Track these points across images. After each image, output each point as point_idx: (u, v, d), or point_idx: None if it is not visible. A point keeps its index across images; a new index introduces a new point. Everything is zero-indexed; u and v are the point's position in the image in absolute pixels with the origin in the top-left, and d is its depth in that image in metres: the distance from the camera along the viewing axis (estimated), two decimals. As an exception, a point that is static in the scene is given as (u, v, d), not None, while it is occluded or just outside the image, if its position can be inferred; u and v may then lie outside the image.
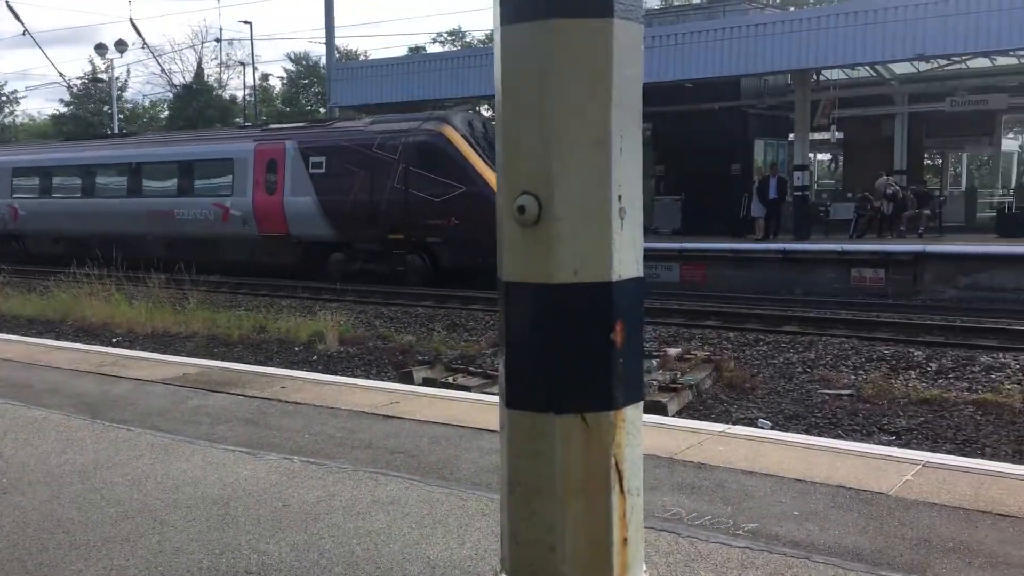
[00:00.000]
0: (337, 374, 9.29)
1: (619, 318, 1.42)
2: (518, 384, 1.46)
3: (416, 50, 51.21)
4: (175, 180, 22.85)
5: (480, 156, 18.06)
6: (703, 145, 23.37)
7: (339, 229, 19.63)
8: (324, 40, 29.58)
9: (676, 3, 44.23)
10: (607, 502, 1.41)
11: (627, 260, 1.44)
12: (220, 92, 57.74)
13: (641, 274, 1.48)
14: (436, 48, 55.03)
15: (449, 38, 58.06)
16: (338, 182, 19.48)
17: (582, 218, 1.40)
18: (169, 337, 12.25)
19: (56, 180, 25.75)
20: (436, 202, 18.05)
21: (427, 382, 8.73)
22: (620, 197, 1.42)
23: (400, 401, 6.26)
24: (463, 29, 58.88)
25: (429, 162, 18.23)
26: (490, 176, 17.48)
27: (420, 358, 10.30)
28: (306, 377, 7.52)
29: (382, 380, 8.85)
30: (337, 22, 30.12)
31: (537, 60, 1.39)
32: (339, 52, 41.69)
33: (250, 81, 58.49)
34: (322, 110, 48.73)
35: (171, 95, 56.57)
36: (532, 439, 1.43)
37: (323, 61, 39.96)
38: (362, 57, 54.77)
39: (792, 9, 35.66)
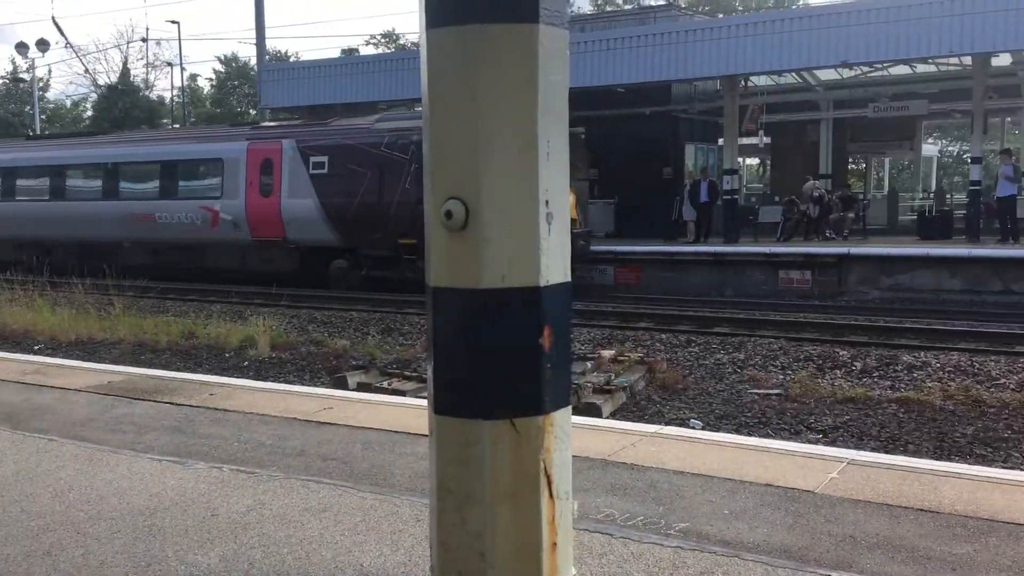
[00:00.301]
0: (269, 380, 9.16)
1: (547, 323, 1.43)
2: (447, 390, 1.45)
3: (349, 52, 50.76)
4: (156, 182, 21.40)
5: None
6: (635, 149, 23.63)
7: (343, 234, 18.50)
8: (254, 41, 29.12)
9: (608, 9, 44.68)
10: (536, 507, 1.41)
11: (555, 265, 1.44)
12: (147, 93, 56.47)
13: (569, 279, 1.49)
14: (370, 50, 54.65)
15: (383, 40, 57.73)
16: (342, 183, 18.29)
17: (510, 223, 1.40)
18: (94, 344, 11.93)
19: (19, 182, 23.90)
20: None
21: (361, 387, 8.65)
22: (547, 202, 1.42)
23: (333, 407, 6.20)
24: (397, 32, 58.55)
25: None
26: None
27: (354, 363, 10.21)
28: (236, 384, 7.39)
29: (315, 386, 8.75)
30: (267, 23, 29.68)
31: (462, 65, 1.39)
32: (270, 53, 41.11)
33: (178, 82, 57.34)
34: (252, 111, 47.99)
35: (96, 95, 55.14)
36: (462, 445, 1.43)
37: (253, 62, 39.35)
38: (293, 58, 54.12)
39: (721, 16, 36.34)
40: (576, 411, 8.00)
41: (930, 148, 39.21)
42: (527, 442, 1.41)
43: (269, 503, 4.13)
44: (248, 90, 53.96)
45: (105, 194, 22.15)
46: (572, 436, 5.21)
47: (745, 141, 25.63)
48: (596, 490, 4.31)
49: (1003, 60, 21.25)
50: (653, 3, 42.23)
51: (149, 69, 59.64)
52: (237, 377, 8.97)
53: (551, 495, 1.42)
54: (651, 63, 20.98)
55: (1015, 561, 3.45)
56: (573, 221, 18.04)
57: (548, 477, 1.41)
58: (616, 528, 3.80)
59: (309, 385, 8.87)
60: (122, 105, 49.46)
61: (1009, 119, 29.30)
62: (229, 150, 20.33)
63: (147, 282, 17.11)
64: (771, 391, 8.79)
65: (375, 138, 18.16)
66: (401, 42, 55.74)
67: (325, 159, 18.67)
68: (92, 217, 21.94)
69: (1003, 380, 8.79)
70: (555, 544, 1.44)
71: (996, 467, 6.24)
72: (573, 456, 4.80)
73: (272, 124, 21.60)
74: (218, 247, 20.26)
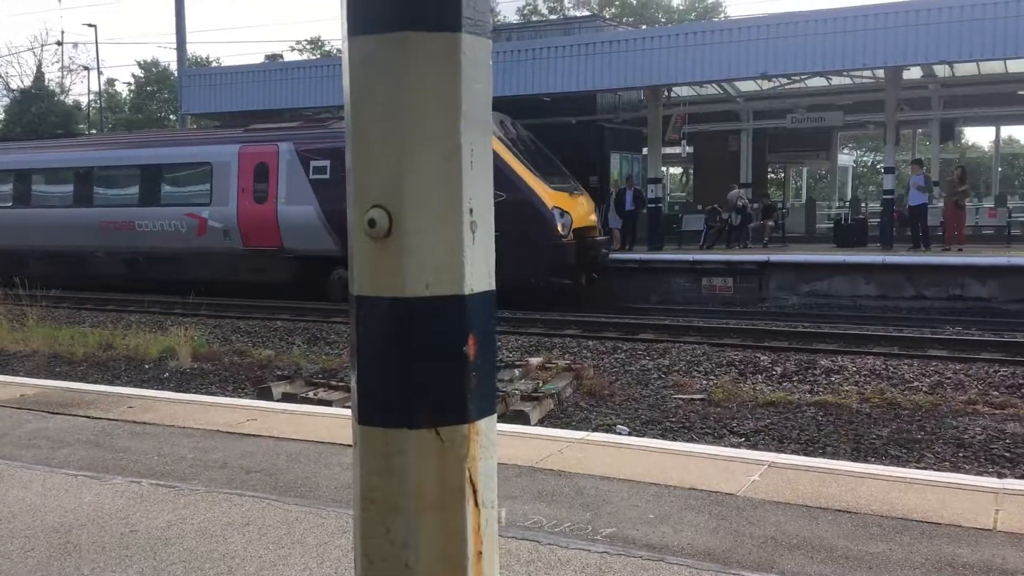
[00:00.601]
0: (191, 392, 8.96)
1: (472, 331, 1.43)
2: (370, 400, 1.44)
3: (273, 58, 50.09)
4: (136, 188, 20.06)
5: (520, 160, 16.35)
6: (561, 158, 23.82)
7: (347, 242, 17.78)
8: (175, 45, 28.51)
9: (534, 19, 45.02)
10: (462, 516, 1.41)
11: (479, 273, 1.45)
12: (62, 97, 54.80)
13: (493, 287, 1.49)
14: (295, 56, 54.00)
15: (309, 46, 57.10)
16: (344, 189, 17.54)
17: (433, 232, 1.40)
18: (5, 356, 11.50)
19: None
20: None
21: (287, 398, 8.52)
22: (471, 211, 1.43)
23: (257, 418, 6.09)
24: (323, 38, 57.93)
25: None
26: (535, 182, 16.08)
27: (279, 373, 10.05)
28: (156, 396, 7.21)
29: (239, 397, 8.59)
30: (188, 27, 29.08)
31: (385, 73, 1.39)
32: (191, 58, 40.29)
33: (95, 87, 55.80)
34: (172, 117, 46.97)
35: (7, 100, 53.30)
36: (386, 456, 1.42)
37: (174, 67, 38.52)
38: (215, 64, 53.15)
39: (644, 28, 36.94)
40: (504, 419, 8.03)
41: (846, 158, 40.53)
42: (452, 451, 1.40)
43: (190, 518, 4.04)
44: (168, 95, 52.80)
45: (77, 201, 20.79)
46: (500, 444, 5.21)
47: (669, 151, 26.06)
48: (524, 497, 4.32)
49: (914, 73, 22.08)
50: (578, 14, 42.72)
51: (65, 73, 57.91)
52: (157, 389, 8.75)
53: (476, 504, 1.42)
54: (576, 73, 21.20)
55: (928, 559, 3.57)
56: (593, 229, 17.65)
57: (473, 486, 1.41)
58: (543, 535, 3.81)
59: (233, 396, 8.71)
60: (36, 110, 47.91)
61: (920, 130, 30.43)
62: (219, 153, 19.07)
63: (61, 292, 16.59)
64: (695, 396, 8.94)
65: None
66: (327, 48, 55.26)
67: (327, 163, 17.50)
68: (62, 225, 20.58)
69: (916, 383, 9.09)
70: (480, 553, 1.44)
71: (910, 467, 6.45)
72: (501, 464, 4.82)
73: (266, 126, 20.19)
74: (205, 257, 18.96)
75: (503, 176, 15.44)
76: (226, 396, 8.70)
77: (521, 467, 4.81)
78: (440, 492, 1.38)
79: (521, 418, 7.93)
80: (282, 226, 18.09)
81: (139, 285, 19.24)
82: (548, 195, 16.00)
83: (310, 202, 17.60)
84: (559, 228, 15.84)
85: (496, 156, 15.56)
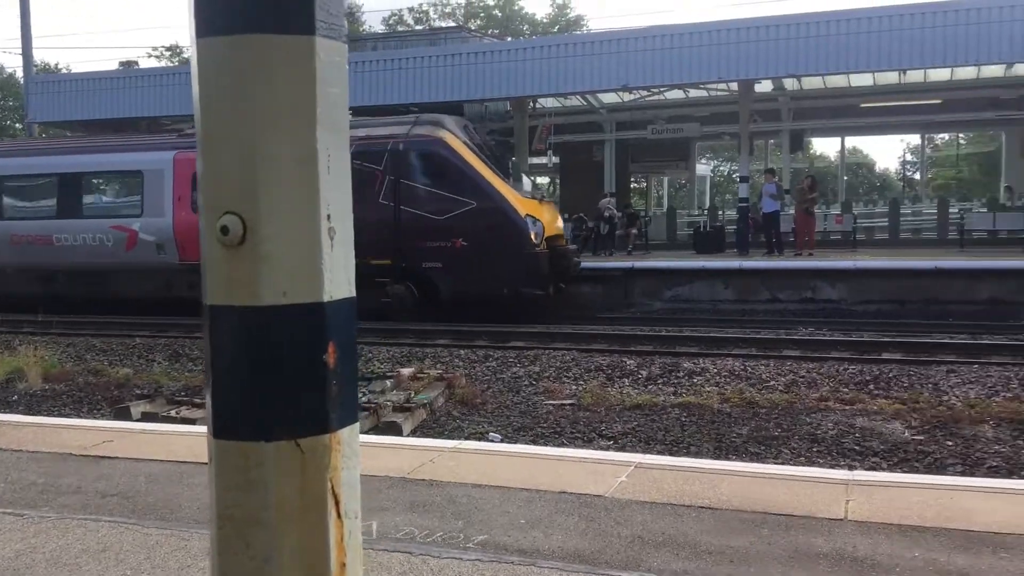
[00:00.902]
0: (41, 414, 8.46)
1: (332, 339, 1.41)
2: (226, 413, 1.40)
3: (128, 64, 48.10)
4: (54, 199, 18.28)
5: (488, 166, 15.61)
6: (430, 168, 23.81)
7: None
8: (20, 51, 27.01)
9: (400, 29, 44.88)
10: (324, 528, 1.38)
11: (339, 280, 1.42)
12: None
13: (353, 294, 1.47)
14: (152, 63, 51.98)
15: (167, 53, 55.08)
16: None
17: (290, 238, 1.37)
18: None
19: None
20: (439, 221, 15.13)
21: (147, 417, 8.16)
22: (329, 216, 1.41)
23: (114, 440, 5.82)
24: (180, 45, 56.01)
25: (428, 173, 15.39)
26: (506, 190, 15.39)
27: (138, 392, 9.62)
28: (3, 420, 6.78)
29: (95, 418, 8.18)
30: (35, 32, 27.60)
31: (236, 76, 1.35)
32: (38, 65, 38.23)
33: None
34: (19, 126, 44.40)
35: None
36: (244, 470, 1.38)
37: (19, 73, 36.45)
38: (64, 71, 50.59)
39: (510, 39, 37.39)
40: (376, 430, 7.94)
41: (704, 168, 42.09)
42: (313, 462, 1.38)
43: (41, 546, 3.81)
44: (13, 103, 49.90)
45: None
46: (372, 456, 5.13)
47: (535, 160, 26.45)
48: (396, 508, 4.28)
49: (765, 86, 23.18)
50: (444, 25, 42.83)
51: None
52: (4, 412, 8.22)
53: (339, 515, 1.39)
54: (443, 83, 21.27)
55: (785, 550, 3.73)
56: (560, 237, 17.02)
57: (336, 497, 1.39)
58: (416, 546, 3.78)
59: (88, 418, 8.28)
60: None
61: (772, 141, 31.92)
62: (151, 161, 17.52)
63: None
64: (565, 401, 9.07)
65: None
66: (186, 56, 53.45)
67: None
68: None
69: (772, 382, 9.50)
70: (344, 564, 1.42)
71: (768, 463, 6.73)
72: (373, 476, 4.75)
73: None
74: (135, 272, 17.49)
75: (472, 183, 15.12)
76: (81, 418, 8.27)
77: (393, 478, 4.76)
78: (302, 504, 1.35)
79: (393, 429, 7.86)
80: None
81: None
82: (520, 203, 15.41)
83: None
84: (532, 237, 15.19)
85: (463, 162, 15.24)
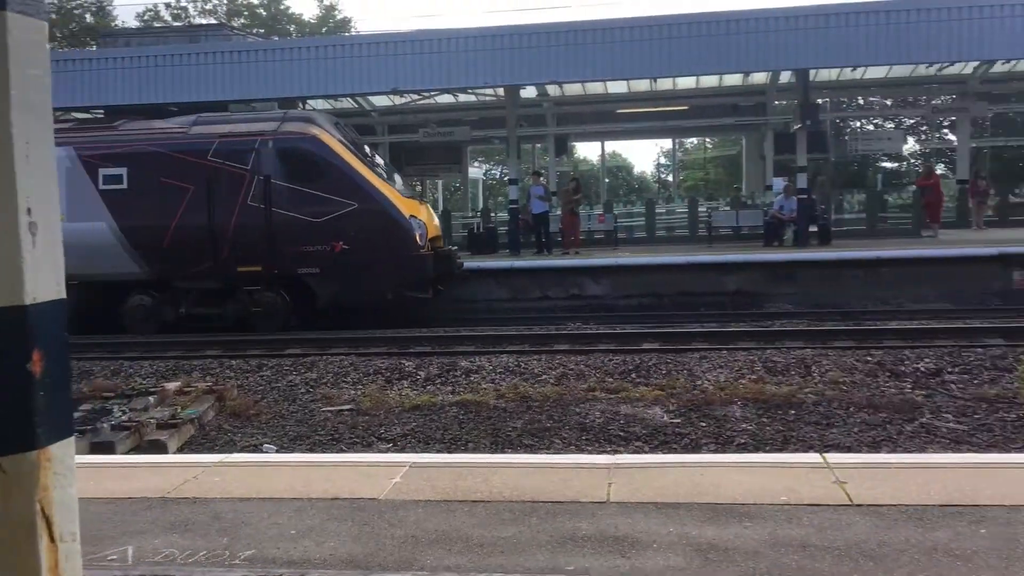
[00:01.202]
0: None
1: (37, 345, 1.28)
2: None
3: None
4: None
5: (366, 165, 14.51)
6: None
7: (153, 265, 14.53)
8: None
9: (156, 25, 42.53)
10: (35, 554, 1.25)
11: (45, 281, 1.30)
12: None
13: (63, 296, 1.35)
14: None
15: None
16: (151, 201, 14.32)
17: (-19, 234, 1.23)
18: None
19: None
20: (316, 223, 14.10)
21: None
22: (30, 211, 1.28)
23: None
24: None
25: (303, 173, 14.24)
26: (388, 190, 14.35)
27: None
28: None
29: None
30: None
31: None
32: None
33: None
34: None
35: None
36: (-61, 495, 1.23)
37: None
38: None
39: (276, 39, 36.38)
40: (139, 450, 7.47)
41: (476, 171, 42.88)
42: (17, 482, 1.24)
43: None
44: None
45: None
46: (131, 477, 4.77)
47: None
48: (154, 531, 4.03)
49: (530, 92, 23.93)
50: (204, 22, 41.02)
51: None
52: None
53: (52, 538, 1.27)
54: (206, 82, 20.36)
55: (552, 536, 3.84)
56: (440, 239, 16.24)
57: (47, 519, 1.26)
58: (176, 568, 3.58)
59: None
60: None
61: (538, 145, 33.00)
62: None
63: None
64: (343, 407, 8.93)
65: (197, 145, 14.53)
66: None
67: (123, 171, 14.72)
68: None
69: (544, 376, 9.80)
70: (62, 591, 1.29)
71: (541, 454, 6.95)
72: (130, 498, 4.44)
73: None
74: None
75: (352, 183, 14.26)
76: None
77: (151, 499, 4.48)
78: (9, 528, 1.21)
79: (158, 447, 7.45)
80: (64, 246, 14.80)
81: None
82: (403, 203, 14.67)
83: (102, 218, 14.68)
84: (417, 238, 14.50)
85: (342, 161, 14.30)
